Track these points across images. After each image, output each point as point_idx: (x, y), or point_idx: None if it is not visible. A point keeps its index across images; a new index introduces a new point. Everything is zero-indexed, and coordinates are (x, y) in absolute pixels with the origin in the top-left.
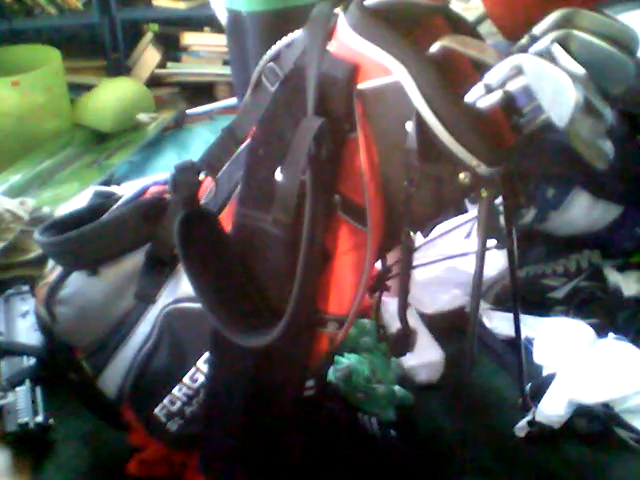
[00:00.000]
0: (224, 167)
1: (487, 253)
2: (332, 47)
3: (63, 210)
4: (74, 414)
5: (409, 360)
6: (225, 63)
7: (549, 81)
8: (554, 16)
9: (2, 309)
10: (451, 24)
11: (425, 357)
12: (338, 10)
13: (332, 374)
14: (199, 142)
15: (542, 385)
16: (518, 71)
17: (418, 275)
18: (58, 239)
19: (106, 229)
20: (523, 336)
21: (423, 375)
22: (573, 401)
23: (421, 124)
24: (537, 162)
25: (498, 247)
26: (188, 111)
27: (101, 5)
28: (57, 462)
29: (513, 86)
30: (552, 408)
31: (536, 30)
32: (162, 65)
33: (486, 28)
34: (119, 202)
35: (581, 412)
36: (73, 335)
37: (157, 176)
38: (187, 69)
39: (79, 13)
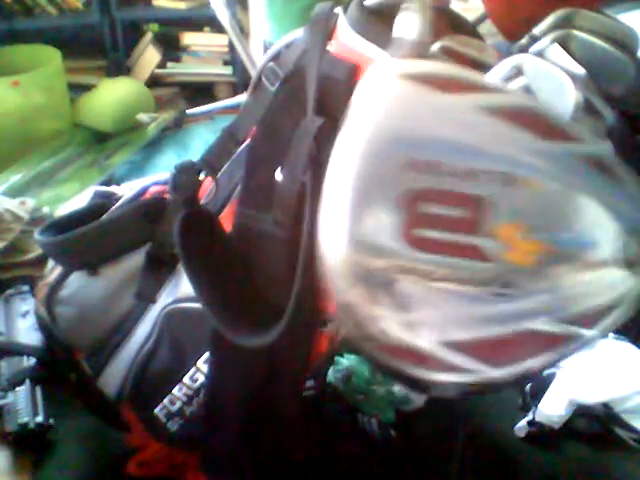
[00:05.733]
0: (224, 167)
1: None
2: (332, 47)
3: (63, 210)
4: (74, 414)
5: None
6: (225, 63)
7: (549, 81)
8: (554, 16)
9: (2, 309)
10: (451, 24)
11: None
12: (338, 10)
13: (332, 375)
14: (199, 142)
15: (542, 385)
16: (518, 71)
17: None
18: (58, 239)
19: (106, 229)
20: None
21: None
22: (573, 401)
23: None
24: None
25: None
26: (188, 111)
27: (101, 5)
28: (57, 462)
29: (513, 86)
30: (552, 408)
31: (536, 30)
32: (162, 65)
33: (486, 28)
34: (119, 202)
35: (581, 412)
36: (73, 335)
37: (157, 176)
38: (187, 69)
39: (79, 13)
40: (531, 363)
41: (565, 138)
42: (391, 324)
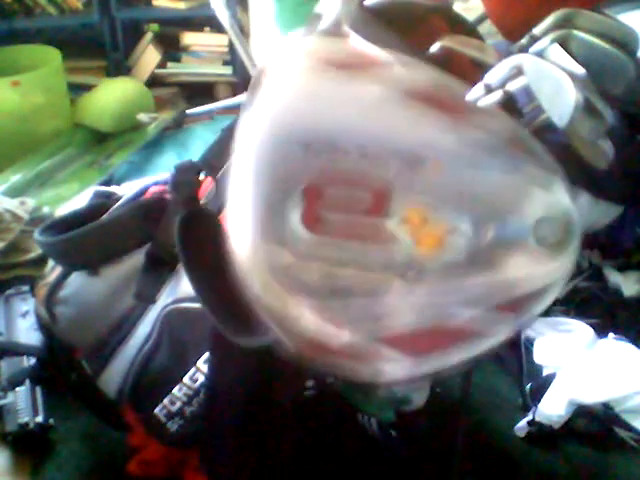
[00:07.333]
0: (224, 167)
1: None
2: None
3: (63, 210)
4: (74, 414)
5: None
6: (225, 63)
7: (549, 81)
8: (554, 16)
9: (2, 309)
10: (451, 24)
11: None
12: None
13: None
14: (199, 142)
15: (542, 385)
16: (518, 71)
17: None
18: (58, 239)
19: (106, 229)
20: (523, 336)
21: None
22: (573, 401)
23: None
24: None
25: None
26: (188, 111)
27: (101, 5)
28: (57, 462)
29: (513, 86)
30: (552, 408)
31: (536, 30)
32: (162, 65)
33: (486, 28)
34: (119, 202)
35: (581, 412)
36: (73, 335)
37: (157, 176)
38: (187, 69)
39: (79, 13)
40: (456, 355)
41: (478, 117)
42: (309, 318)
